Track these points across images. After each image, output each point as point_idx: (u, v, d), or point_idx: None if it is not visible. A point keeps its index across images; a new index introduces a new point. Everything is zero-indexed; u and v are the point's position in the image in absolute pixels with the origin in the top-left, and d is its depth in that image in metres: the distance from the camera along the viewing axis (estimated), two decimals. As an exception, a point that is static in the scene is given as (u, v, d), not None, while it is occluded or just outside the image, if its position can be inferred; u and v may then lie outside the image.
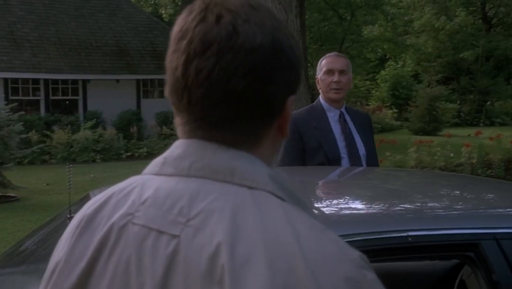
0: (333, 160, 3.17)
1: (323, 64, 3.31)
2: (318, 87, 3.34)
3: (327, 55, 3.40)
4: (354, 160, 3.17)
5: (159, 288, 0.85)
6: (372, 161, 3.24)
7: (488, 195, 2.45)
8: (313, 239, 0.82)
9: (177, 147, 0.93)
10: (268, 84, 0.88)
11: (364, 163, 3.18)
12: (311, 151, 3.20)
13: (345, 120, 3.26)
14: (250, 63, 0.86)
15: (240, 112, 0.88)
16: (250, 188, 0.87)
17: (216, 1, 0.90)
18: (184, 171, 0.90)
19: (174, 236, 0.85)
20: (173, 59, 0.90)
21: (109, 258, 0.92)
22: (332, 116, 3.27)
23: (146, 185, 0.93)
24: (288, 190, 0.91)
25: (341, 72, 3.23)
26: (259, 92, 0.88)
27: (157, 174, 0.94)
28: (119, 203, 0.95)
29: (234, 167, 0.88)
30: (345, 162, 3.17)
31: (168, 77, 0.92)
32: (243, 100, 0.87)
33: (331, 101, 3.27)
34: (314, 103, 3.41)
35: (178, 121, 0.94)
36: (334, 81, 3.21)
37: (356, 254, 0.83)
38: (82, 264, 0.94)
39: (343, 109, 3.29)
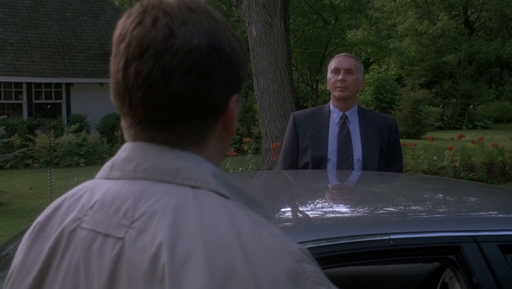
0: (317, 161, 3.18)
1: (331, 63, 3.30)
2: (328, 88, 3.34)
3: (337, 55, 3.38)
4: (343, 163, 3.16)
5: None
6: (369, 167, 3.17)
7: (470, 198, 2.47)
8: (253, 235, 0.83)
9: (124, 150, 0.95)
10: (208, 83, 0.90)
11: (357, 168, 3.15)
12: (301, 150, 3.27)
13: (345, 123, 3.23)
14: (188, 63, 0.88)
15: (181, 113, 0.90)
16: (194, 187, 0.89)
17: (154, 4, 0.92)
18: (129, 174, 0.92)
19: (119, 239, 0.87)
20: (114, 63, 0.92)
21: (60, 262, 0.94)
22: (334, 118, 3.26)
23: (95, 190, 0.95)
24: (235, 188, 0.93)
25: (348, 71, 3.21)
26: (199, 91, 0.89)
27: (106, 178, 0.96)
28: (70, 208, 0.97)
29: (179, 168, 0.90)
30: (331, 164, 3.17)
31: (110, 81, 0.94)
32: (183, 100, 0.89)
33: (336, 100, 3.26)
34: (324, 104, 3.41)
35: (123, 125, 0.96)
36: (339, 80, 3.20)
37: (295, 247, 0.85)
38: (35, 270, 0.96)
39: (349, 112, 3.25)
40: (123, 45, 0.90)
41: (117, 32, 0.93)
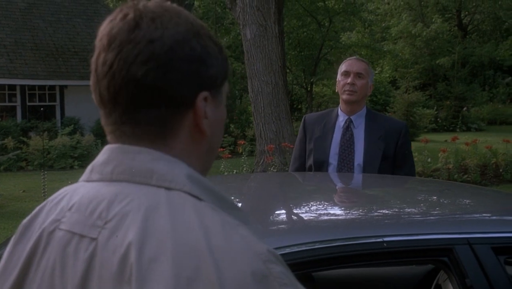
0: (318, 165, 3.19)
1: (341, 66, 3.28)
2: (337, 90, 3.32)
3: (348, 58, 3.35)
4: (344, 168, 3.15)
5: (80, 288, 0.88)
6: (369, 172, 3.13)
7: (464, 200, 2.48)
8: (222, 236, 0.85)
9: (103, 154, 0.98)
10: (168, 72, 0.92)
11: (357, 172, 3.13)
12: (308, 153, 3.29)
13: (348, 127, 3.21)
14: (149, 52, 0.91)
15: (142, 101, 0.93)
16: (168, 188, 0.91)
17: (129, 5, 0.96)
18: (107, 176, 0.95)
19: (92, 239, 0.89)
20: (92, 59, 0.98)
21: (39, 263, 0.96)
22: (340, 122, 3.25)
23: (75, 192, 0.98)
24: (211, 191, 0.95)
25: (357, 75, 3.18)
26: (158, 80, 0.92)
27: (87, 181, 0.98)
28: (50, 211, 1.00)
29: (153, 169, 0.92)
30: (332, 168, 3.17)
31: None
32: (143, 88, 0.92)
33: (344, 104, 3.24)
34: (335, 108, 3.39)
35: (102, 122, 1.00)
36: (348, 83, 3.17)
37: (263, 248, 0.86)
38: (16, 271, 0.99)
39: (355, 116, 3.22)
40: (97, 40, 0.97)
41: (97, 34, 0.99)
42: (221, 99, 1.02)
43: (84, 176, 1.00)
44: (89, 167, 1.00)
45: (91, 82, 0.98)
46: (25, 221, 1.03)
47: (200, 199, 0.91)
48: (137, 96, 0.92)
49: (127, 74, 0.91)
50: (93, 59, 0.97)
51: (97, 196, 0.93)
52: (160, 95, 0.93)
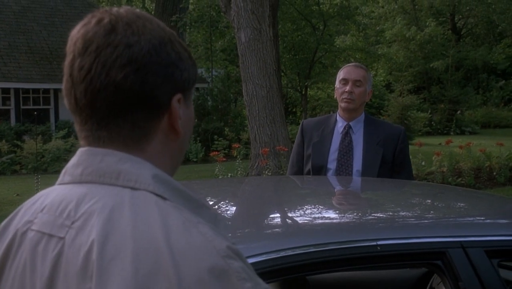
0: (317, 170, 3.19)
1: (340, 73, 3.27)
2: (335, 96, 3.32)
3: (347, 64, 3.35)
4: (342, 174, 3.15)
5: (47, 287, 0.92)
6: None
7: (457, 204, 2.49)
8: (181, 233, 0.88)
9: (75, 156, 1.01)
10: (146, 77, 0.94)
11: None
12: (306, 158, 3.29)
13: (347, 133, 3.21)
14: (128, 56, 0.93)
15: (121, 105, 0.94)
16: (133, 188, 0.94)
17: (102, 10, 0.98)
18: (77, 178, 0.98)
19: (60, 239, 0.93)
20: (64, 63, 0.99)
21: (12, 263, 1.00)
22: (339, 127, 3.25)
23: (49, 195, 1.02)
24: (175, 188, 0.98)
25: (356, 83, 3.18)
26: (137, 83, 0.94)
27: (60, 184, 1.02)
28: (25, 213, 1.04)
29: (120, 170, 0.95)
30: (330, 174, 3.17)
31: (63, 81, 1.00)
32: (123, 91, 0.93)
33: (342, 111, 3.25)
34: (333, 113, 3.40)
35: (76, 128, 1.02)
36: (346, 91, 3.17)
37: (223, 244, 0.89)
38: None
39: (354, 122, 3.23)
40: (70, 43, 0.98)
41: (69, 38, 1.00)
42: (191, 100, 1.05)
43: (59, 179, 1.03)
44: (63, 170, 1.03)
45: (64, 87, 0.99)
46: (3, 223, 1.07)
47: (164, 198, 0.94)
48: (116, 100, 0.94)
49: (106, 78, 0.93)
50: (67, 64, 0.97)
51: (67, 197, 0.96)
52: (138, 99, 0.95)
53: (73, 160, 1.00)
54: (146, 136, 0.98)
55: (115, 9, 0.99)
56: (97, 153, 0.97)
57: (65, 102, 1.00)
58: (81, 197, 0.94)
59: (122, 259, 0.84)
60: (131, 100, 0.94)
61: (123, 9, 0.99)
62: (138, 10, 1.02)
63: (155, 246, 0.85)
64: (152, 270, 0.83)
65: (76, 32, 0.97)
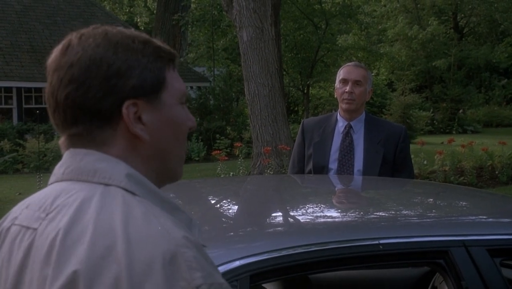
0: (318, 170, 3.18)
1: (340, 73, 3.26)
2: (335, 96, 3.31)
3: (346, 64, 3.33)
4: (343, 173, 3.15)
5: (17, 275, 0.99)
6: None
7: (459, 203, 2.49)
8: (140, 222, 0.94)
9: (62, 158, 1.09)
10: (87, 92, 1.02)
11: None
12: (307, 158, 3.28)
13: (348, 132, 3.20)
14: (69, 75, 1.02)
15: (71, 117, 1.04)
16: (107, 184, 1.01)
17: (76, 33, 1.08)
18: (59, 177, 1.06)
19: (34, 230, 1.01)
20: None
21: None
22: (340, 127, 3.23)
23: (35, 194, 1.11)
24: (149, 189, 1.04)
25: (356, 83, 3.17)
26: (77, 99, 1.02)
27: (49, 184, 1.09)
28: (14, 211, 1.12)
29: (97, 168, 1.02)
30: (331, 174, 3.16)
31: None
32: (68, 107, 1.03)
33: (343, 111, 3.23)
34: (334, 112, 3.38)
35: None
36: (347, 92, 3.15)
37: (179, 234, 0.93)
38: None
39: (354, 121, 3.21)
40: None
41: None
42: (162, 103, 1.07)
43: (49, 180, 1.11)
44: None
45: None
46: None
47: (134, 194, 1.00)
48: (66, 115, 1.04)
49: (55, 98, 1.04)
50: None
51: (48, 193, 1.05)
52: (83, 113, 1.03)
53: (60, 162, 1.09)
54: (105, 142, 1.04)
55: (84, 30, 1.08)
56: (77, 153, 1.05)
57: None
58: (58, 192, 1.02)
59: (81, 244, 0.91)
60: (77, 114, 1.03)
61: (89, 29, 1.08)
62: (104, 28, 1.09)
63: (112, 231, 0.91)
64: (105, 253, 0.89)
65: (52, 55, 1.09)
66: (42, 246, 0.96)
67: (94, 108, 1.02)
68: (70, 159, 1.06)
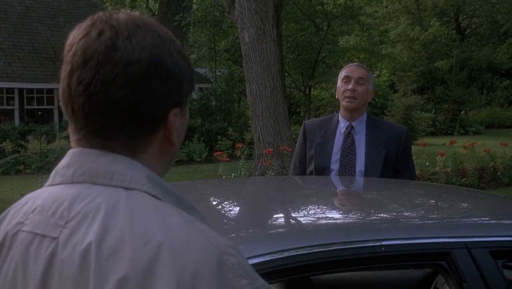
0: (320, 171, 3.17)
1: (342, 72, 3.26)
2: (337, 96, 3.30)
3: (349, 64, 3.34)
4: (345, 174, 3.14)
5: (40, 287, 0.91)
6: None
7: (461, 204, 2.48)
8: (179, 229, 0.89)
9: (66, 158, 1.01)
10: (145, 95, 0.95)
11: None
12: (308, 159, 3.27)
13: (350, 133, 3.19)
14: (128, 75, 0.93)
15: (118, 121, 0.95)
16: (127, 188, 0.94)
17: (102, 18, 0.97)
18: (69, 178, 0.98)
19: (53, 239, 0.93)
20: (62, 70, 0.98)
21: (2, 264, 0.99)
22: (341, 128, 3.23)
23: (39, 196, 1.02)
24: (167, 190, 0.99)
25: (358, 81, 3.16)
26: (136, 102, 0.95)
27: (50, 185, 1.01)
28: (15, 214, 1.03)
29: (114, 170, 0.95)
30: (333, 175, 3.16)
31: (59, 87, 1.00)
32: (120, 110, 0.94)
33: (344, 110, 3.23)
34: (335, 113, 3.37)
35: (69, 130, 1.02)
36: (349, 89, 3.15)
37: (222, 241, 0.90)
38: None
39: (356, 122, 3.21)
40: (70, 54, 0.97)
41: (67, 42, 0.99)
42: (186, 109, 1.05)
43: (48, 180, 1.02)
44: (53, 172, 1.02)
45: (62, 95, 0.99)
46: None
47: (158, 198, 0.95)
48: (113, 117, 0.95)
49: (104, 96, 0.93)
50: (65, 73, 0.97)
51: (59, 197, 0.96)
52: (136, 116, 0.96)
53: (64, 161, 1.01)
54: (141, 148, 0.99)
55: (115, 16, 0.98)
56: (90, 154, 0.97)
57: (62, 108, 1.01)
58: (74, 197, 0.94)
59: (120, 257, 0.85)
60: (128, 118, 0.95)
61: (123, 17, 0.98)
62: (138, 16, 1.01)
63: (153, 241, 0.86)
64: (150, 266, 0.84)
65: (76, 42, 0.97)
66: (70, 259, 0.89)
67: (148, 114, 0.96)
68: (79, 159, 0.98)
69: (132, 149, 0.98)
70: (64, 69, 0.98)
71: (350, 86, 3.15)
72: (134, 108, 0.95)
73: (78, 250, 0.88)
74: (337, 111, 3.36)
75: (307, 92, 22.05)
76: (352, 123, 3.21)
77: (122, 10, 1.02)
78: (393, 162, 3.16)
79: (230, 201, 2.58)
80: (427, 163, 10.93)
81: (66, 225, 0.92)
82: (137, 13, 1.03)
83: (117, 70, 0.93)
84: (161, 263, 0.84)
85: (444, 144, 16.10)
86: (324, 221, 2.08)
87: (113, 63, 0.93)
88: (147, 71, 0.95)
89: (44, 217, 0.96)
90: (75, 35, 0.98)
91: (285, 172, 9.46)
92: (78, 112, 0.96)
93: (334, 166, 3.16)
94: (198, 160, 16.29)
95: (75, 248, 0.89)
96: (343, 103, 3.20)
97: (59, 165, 1.01)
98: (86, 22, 0.99)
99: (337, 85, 3.28)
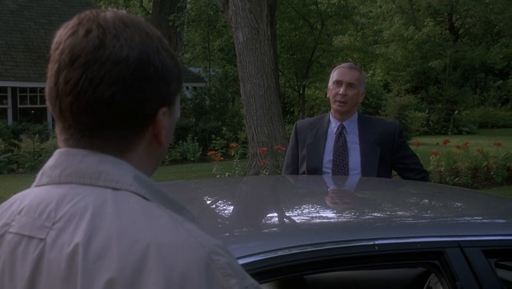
0: (312, 172, 3.18)
1: (334, 74, 3.25)
2: (328, 96, 3.30)
3: (341, 65, 3.32)
4: (337, 174, 3.14)
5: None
6: (368, 176, 3.12)
7: (455, 203, 2.49)
8: (167, 230, 0.88)
9: (52, 158, 1.00)
10: (133, 94, 0.94)
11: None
12: (300, 160, 3.28)
13: (341, 133, 3.20)
14: (116, 73, 0.92)
15: (106, 120, 0.94)
16: (115, 188, 0.93)
17: (89, 17, 0.97)
18: (55, 179, 0.97)
19: (41, 240, 0.92)
20: (49, 68, 0.97)
21: None
22: (333, 128, 3.23)
23: (25, 197, 1.01)
24: (156, 190, 0.98)
25: (349, 85, 3.16)
26: (124, 101, 0.94)
27: (37, 185, 1.00)
28: (1, 216, 1.01)
29: (101, 171, 0.94)
30: (326, 174, 3.16)
31: (46, 86, 0.98)
32: (108, 109, 0.93)
33: (334, 112, 3.23)
34: (326, 113, 3.37)
35: (56, 130, 1.01)
36: (340, 94, 3.15)
37: (211, 241, 0.90)
38: None
39: (347, 122, 3.21)
40: (57, 52, 0.96)
41: (54, 40, 0.98)
42: (175, 108, 1.04)
43: (35, 181, 1.01)
44: (40, 172, 1.01)
45: (49, 95, 0.98)
46: None
47: (146, 199, 0.94)
48: (101, 116, 0.94)
49: (92, 95, 0.92)
50: (52, 72, 0.96)
51: (46, 198, 0.95)
52: (124, 115, 0.95)
53: (51, 161, 1.00)
54: (130, 147, 0.98)
55: (102, 15, 0.97)
56: (77, 154, 0.96)
57: (49, 107, 0.99)
58: (61, 198, 0.93)
59: (108, 258, 0.84)
60: (117, 117, 0.94)
61: (110, 15, 0.98)
62: (125, 14, 1.00)
63: (140, 242, 0.85)
64: (138, 266, 0.83)
65: (63, 40, 0.96)
66: (57, 260, 0.88)
67: (137, 112, 0.96)
68: (66, 159, 0.97)
69: (120, 148, 0.97)
70: (51, 68, 0.97)
71: (341, 91, 3.16)
72: (122, 107, 0.94)
73: (66, 251, 0.88)
74: (329, 111, 3.36)
75: (301, 91, 22.06)
76: (343, 123, 3.22)
77: (109, 8, 1.02)
78: (388, 159, 3.17)
79: (224, 200, 2.58)
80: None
81: (53, 226, 0.91)
82: (124, 11, 1.02)
83: (105, 69, 0.92)
84: (149, 265, 0.84)
85: (437, 144, 16.13)
86: (317, 220, 2.08)
87: (101, 61, 0.92)
88: (136, 69, 0.94)
89: (31, 218, 0.95)
90: (62, 34, 0.97)
91: (279, 171, 9.47)
92: (66, 112, 0.95)
93: (327, 166, 3.17)
94: (192, 159, 16.27)
95: (63, 249, 0.88)
96: (334, 106, 3.21)
97: (46, 165, 1.00)
98: (73, 21, 0.98)
99: (329, 85, 3.27)
